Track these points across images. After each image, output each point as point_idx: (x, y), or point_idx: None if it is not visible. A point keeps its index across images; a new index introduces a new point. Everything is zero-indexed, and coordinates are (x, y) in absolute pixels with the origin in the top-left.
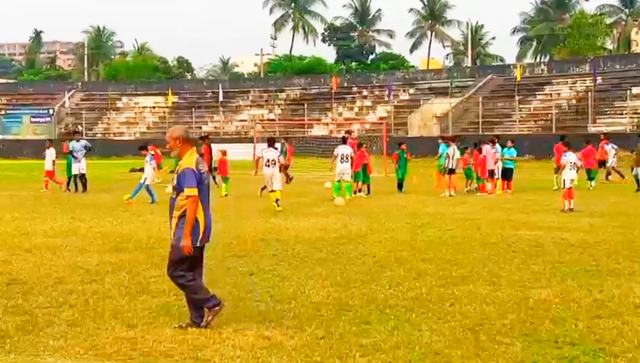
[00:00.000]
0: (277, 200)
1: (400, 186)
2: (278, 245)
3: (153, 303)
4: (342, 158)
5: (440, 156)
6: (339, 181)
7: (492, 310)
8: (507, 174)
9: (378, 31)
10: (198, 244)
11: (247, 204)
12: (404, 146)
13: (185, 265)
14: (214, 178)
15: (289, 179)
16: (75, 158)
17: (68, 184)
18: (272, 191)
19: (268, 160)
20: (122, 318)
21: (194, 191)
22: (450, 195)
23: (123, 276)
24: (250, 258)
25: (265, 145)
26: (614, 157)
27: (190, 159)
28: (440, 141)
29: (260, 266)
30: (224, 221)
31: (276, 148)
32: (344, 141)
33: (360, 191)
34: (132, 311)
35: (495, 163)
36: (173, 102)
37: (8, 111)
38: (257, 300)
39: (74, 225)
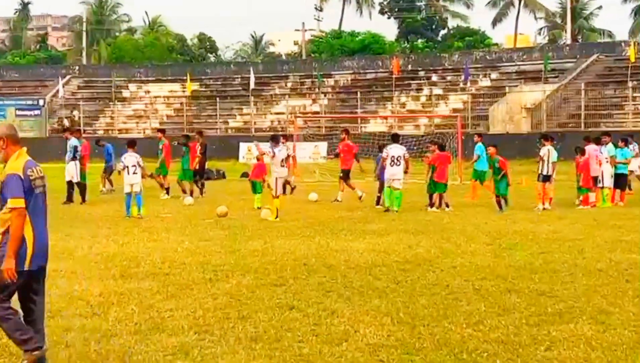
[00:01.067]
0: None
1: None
2: (325, 272)
3: (169, 343)
4: (392, 161)
5: (479, 160)
6: (389, 187)
7: (600, 357)
8: (620, 181)
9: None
10: (25, 268)
11: (284, 219)
12: (492, 150)
13: (6, 293)
14: (201, 184)
15: (291, 189)
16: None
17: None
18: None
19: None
20: (130, 362)
21: (20, 202)
22: (544, 208)
23: (131, 310)
24: (290, 288)
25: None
26: None
27: (16, 164)
28: (477, 139)
29: (303, 298)
30: (254, 240)
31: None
32: (394, 138)
33: (440, 205)
34: (143, 353)
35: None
36: (192, 91)
37: None
38: (299, 341)
39: (70, 245)
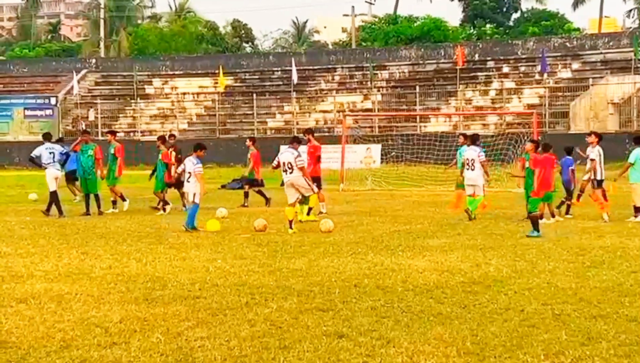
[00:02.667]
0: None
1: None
2: (379, 294)
3: None
4: (467, 164)
5: (457, 164)
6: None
7: None
8: None
9: None
10: None
11: (333, 234)
12: (529, 146)
13: None
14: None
15: (267, 201)
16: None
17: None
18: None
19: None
20: None
21: None
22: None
23: (156, 339)
24: (338, 313)
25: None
26: None
27: None
28: (461, 140)
29: (354, 325)
30: (298, 258)
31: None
32: (473, 140)
33: (553, 215)
34: None
35: None
36: (226, 87)
37: None
38: None
39: (86, 264)
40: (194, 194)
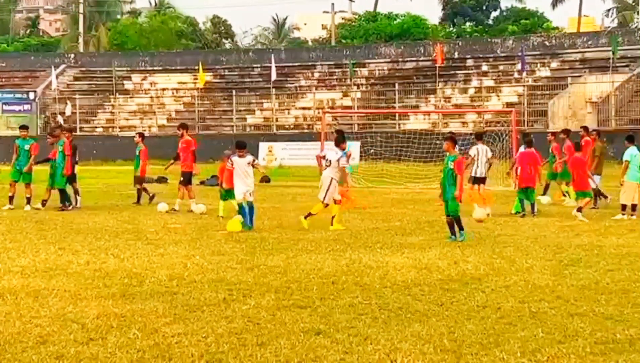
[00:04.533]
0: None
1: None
2: (357, 291)
3: None
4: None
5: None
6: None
7: None
8: None
9: None
10: None
11: (310, 230)
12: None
13: None
14: (76, 191)
15: (150, 197)
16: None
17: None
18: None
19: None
20: None
21: None
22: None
23: (133, 335)
24: (316, 310)
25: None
26: None
27: None
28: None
29: (331, 322)
30: (276, 255)
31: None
32: (478, 137)
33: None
34: None
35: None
36: (206, 83)
37: None
38: None
39: (63, 260)
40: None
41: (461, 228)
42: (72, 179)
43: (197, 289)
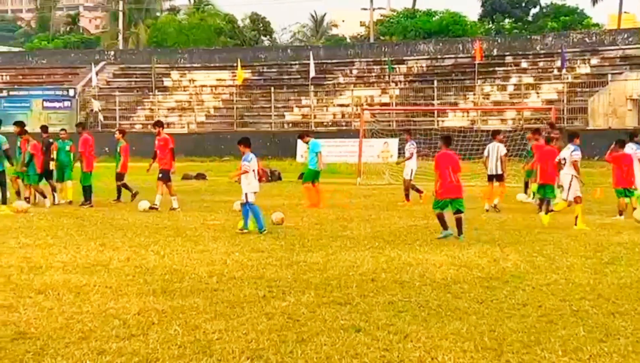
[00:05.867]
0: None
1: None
2: (397, 289)
3: None
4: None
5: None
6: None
7: None
8: None
9: None
10: None
11: (350, 227)
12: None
13: None
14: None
15: (132, 195)
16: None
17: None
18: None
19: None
20: None
21: None
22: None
23: (174, 331)
24: (356, 307)
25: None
26: None
27: None
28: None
29: (371, 319)
30: (315, 252)
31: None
32: (493, 135)
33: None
34: None
35: None
36: (244, 80)
37: (11, 92)
38: None
39: (104, 256)
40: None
41: (445, 227)
42: (48, 175)
43: (237, 286)
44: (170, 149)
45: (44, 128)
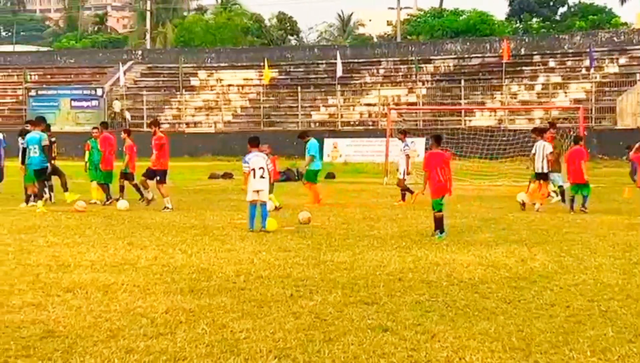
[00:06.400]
0: None
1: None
2: (424, 289)
3: None
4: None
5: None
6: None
7: None
8: None
9: None
10: None
11: (376, 227)
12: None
13: None
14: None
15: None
16: None
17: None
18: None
19: None
20: None
21: None
22: None
23: (202, 330)
24: (383, 307)
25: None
26: None
27: None
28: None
29: (399, 319)
30: (342, 251)
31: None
32: (538, 133)
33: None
34: None
35: None
36: (271, 79)
37: (40, 91)
38: None
39: (132, 255)
40: (265, 192)
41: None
42: (48, 174)
43: (264, 285)
44: (164, 148)
45: (47, 127)
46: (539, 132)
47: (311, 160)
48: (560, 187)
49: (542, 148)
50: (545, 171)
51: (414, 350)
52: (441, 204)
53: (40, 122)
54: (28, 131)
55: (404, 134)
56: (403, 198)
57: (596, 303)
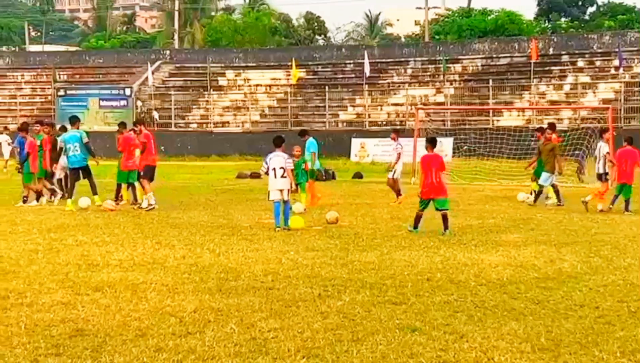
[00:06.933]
0: None
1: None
2: (452, 289)
3: None
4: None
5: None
6: None
7: None
8: None
9: None
10: None
11: (404, 227)
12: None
13: None
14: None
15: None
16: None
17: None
18: None
19: None
20: None
21: None
22: None
23: (230, 329)
24: (411, 307)
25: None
26: None
27: None
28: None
29: (427, 319)
30: (370, 251)
31: None
32: (600, 133)
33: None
34: None
35: None
36: (298, 79)
37: (69, 91)
38: None
39: (160, 254)
40: (288, 191)
41: (416, 226)
42: (48, 174)
43: (292, 284)
44: (153, 146)
45: (52, 125)
46: (540, 130)
47: (315, 157)
48: (540, 187)
49: (599, 148)
50: (601, 171)
51: (442, 350)
52: (426, 204)
53: (77, 121)
54: (65, 130)
55: (397, 133)
56: (398, 196)
57: (625, 304)
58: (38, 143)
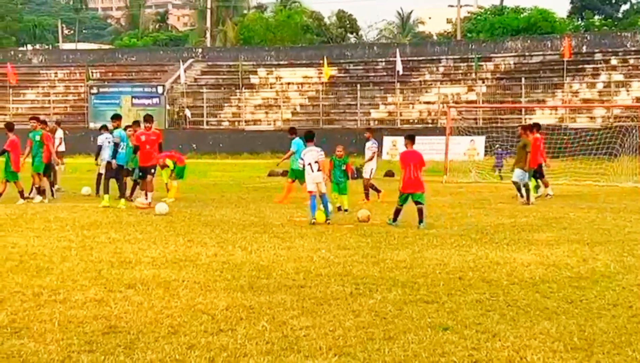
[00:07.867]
0: None
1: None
2: (484, 288)
3: None
4: None
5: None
6: None
7: None
8: None
9: None
10: None
11: (435, 226)
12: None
13: None
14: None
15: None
16: None
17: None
18: None
19: None
20: None
21: None
22: None
23: (262, 327)
24: (443, 305)
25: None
26: None
27: None
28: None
29: (459, 318)
30: (401, 249)
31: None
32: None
33: None
34: None
35: None
36: (330, 77)
37: (101, 89)
38: None
39: (192, 252)
40: (324, 184)
41: (395, 219)
42: (46, 170)
43: (324, 282)
44: (160, 145)
45: (44, 122)
46: (525, 128)
47: (292, 155)
48: (515, 183)
49: None
50: None
51: (474, 349)
52: (405, 199)
53: (119, 119)
54: (106, 128)
55: (371, 132)
56: (367, 197)
57: None
58: (37, 138)
